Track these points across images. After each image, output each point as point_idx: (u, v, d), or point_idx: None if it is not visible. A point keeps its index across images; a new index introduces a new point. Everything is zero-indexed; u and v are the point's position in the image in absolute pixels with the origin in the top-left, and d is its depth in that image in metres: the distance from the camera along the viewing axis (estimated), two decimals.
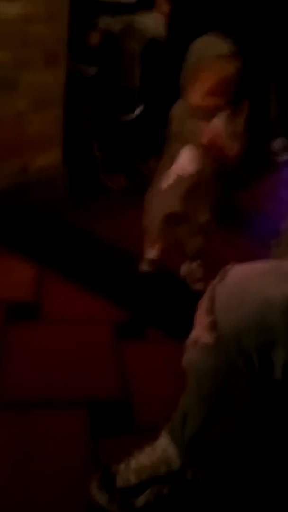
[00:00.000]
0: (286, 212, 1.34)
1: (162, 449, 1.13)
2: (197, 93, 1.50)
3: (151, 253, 1.87)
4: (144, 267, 1.87)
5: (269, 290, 0.87)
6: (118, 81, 2.37)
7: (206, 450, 1.12)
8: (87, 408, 1.34)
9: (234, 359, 0.93)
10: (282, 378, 0.91)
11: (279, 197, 1.48)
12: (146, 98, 2.48)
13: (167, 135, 1.61)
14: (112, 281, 1.87)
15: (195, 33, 2.44)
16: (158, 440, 1.15)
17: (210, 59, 1.47)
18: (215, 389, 1.01)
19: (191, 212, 1.66)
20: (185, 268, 1.81)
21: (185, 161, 1.58)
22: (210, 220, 1.69)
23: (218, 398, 1.01)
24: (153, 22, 2.25)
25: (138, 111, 2.49)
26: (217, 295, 0.94)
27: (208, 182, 1.62)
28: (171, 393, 1.14)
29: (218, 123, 1.53)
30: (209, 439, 1.08)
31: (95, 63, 2.28)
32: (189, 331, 1.03)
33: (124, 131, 2.50)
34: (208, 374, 0.99)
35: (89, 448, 1.24)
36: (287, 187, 1.44)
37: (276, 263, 1.00)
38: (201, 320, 0.97)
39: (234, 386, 0.98)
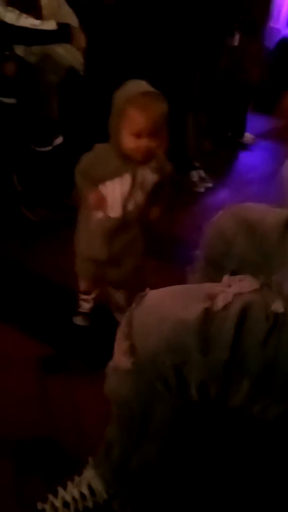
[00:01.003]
0: (200, 240, 1.39)
1: (87, 482, 1.11)
2: (127, 137, 1.44)
3: (85, 306, 1.80)
4: (79, 321, 1.80)
5: (182, 312, 0.89)
6: (36, 112, 2.36)
7: (132, 480, 1.11)
8: (11, 448, 1.28)
9: (152, 382, 0.93)
10: (199, 398, 0.93)
11: (196, 226, 1.53)
12: (66, 130, 2.49)
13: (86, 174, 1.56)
14: (35, 315, 1.83)
15: (113, 67, 2.54)
16: (83, 474, 1.13)
17: (137, 98, 1.42)
18: (135, 415, 1.00)
19: (119, 256, 1.61)
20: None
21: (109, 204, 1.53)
22: (140, 266, 1.65)
23: (140, 424, 1.01)
24: (70, 54, 2.27)
25: (56, 142, 2.50)
26: (134, 320, 0.95)
27: (135, 226, 1.58)
28: (99, 426, 1.12)
29: (110, 186, 1.51)
30: (133, 467, 1.07)
31: (13, 93, 2.26)
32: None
33: (43, 163, 2.49)
34: (128, 399, 0.99)
35: (14, 490, 1.18)
36: (203, 216, 1.48)
37: (188, 286, 1.03)
38: (119, 345, 0.98)
39: (155, 411, 0.99)
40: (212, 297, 0.91)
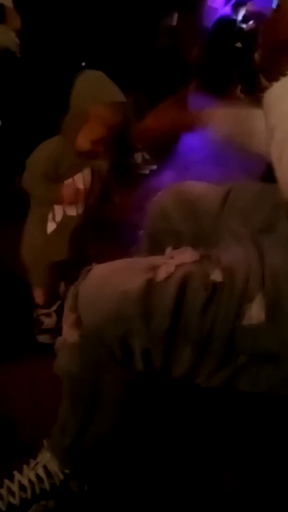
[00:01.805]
0: (144, 222, 1.42)
1: (42, 464, 1.12)
2: (83, 139, 1.41)
3: (49, 322, 1.66)
4: (44, 339, 1.64)
5: (125, 284, 0.92)
6: None
7: (87, 457, 1.13)
8: None
9: (99, 354, 0.96)
10: (144, 368, 0.96)
11: (140, 208, 1.54)
12: (3, 113, 2.43)
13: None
14: None
15: (49, 48, 2.49)
16: (38, 457, 1.14)
17: (101, 108, 1.37)
18: (85, 389, 1.03)
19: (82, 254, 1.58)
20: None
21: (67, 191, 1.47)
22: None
23: (91, 397, 1.03)
24: (4, 35, 2.21)
25: None
26: (80, 293, 0.97)
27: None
28: (53, 410, 1.13)
29: (80, 178, 1.48)
30: (87, 444, 1.10)
31: None
32: None
33: None
34: (78, 373, 1.01)
35: None
36: (147, 198, 1.50)
37: (132, 260, 1.06)
38: (66, 319, 1.00)
39: (105, 384, 1.01)
40: (154, 269, 0.94)
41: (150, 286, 0.92)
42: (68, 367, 1.02)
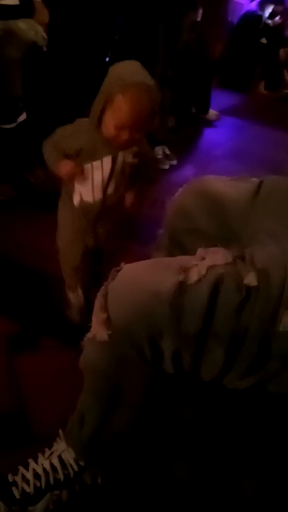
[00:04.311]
0: (164, 218, 1.40)
1: (57, 454, 1.13)
2: (109, 124, 1.37)
3: (75, 297, 1.65)
4: (74, 316, 1.66)
5: (156, 285, 0.92)
6: None
7: (103, 451, 1.14)
8: None
9: (128, 353, 0.96)
10: (173, 369, 0.96)
11: (161, 203, 1.53)
12: (29, 106, 2.45)
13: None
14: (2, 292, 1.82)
15: (76, 42, 2.50)
16: (54, 446, 1.15)
17: (129, 88, 1.32)
18: (110, 385, 1.04)
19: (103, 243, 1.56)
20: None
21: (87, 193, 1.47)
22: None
23: (113, 393, 1.04)
24: (32, 29, 2.22)
25: (20, 119, 2.46)
26: (110, 293, 0.97)
27: (116, 210, 1.51)
28: (68, 401, 1.14)
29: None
30: (105, 438, 1.11)
31: None
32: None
33: (7, 140, 2.45)
34: (104, 370, 1.02)
35: None
36: (168, 193, 1.49)
37: (162, 259, 1.06)
38: (96, 317, 1.00)
39: (130, 381, 1.02)
40: (186, 270, 0.93)
41: (182, 288, 0.90)
42: (95, 362, 1.02)
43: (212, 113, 4.03)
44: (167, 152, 3.09)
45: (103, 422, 1.08)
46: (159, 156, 3.05)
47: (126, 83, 1.32)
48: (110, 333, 0.97)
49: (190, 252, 1.02)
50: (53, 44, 2.31)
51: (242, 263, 0.95)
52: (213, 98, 4.04)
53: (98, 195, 1.48)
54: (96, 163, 1.44)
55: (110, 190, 1.48)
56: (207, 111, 3.99)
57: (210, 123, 3.98)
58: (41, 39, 2.25)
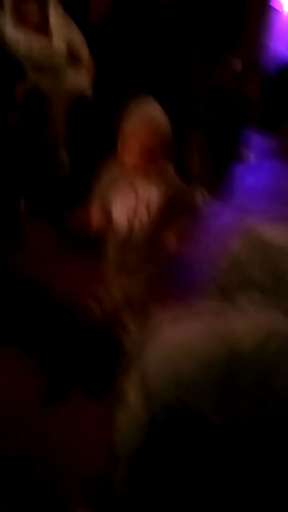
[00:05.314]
0: (210, 258, 1.32)
1: None
2: (129, 154, 1.52)
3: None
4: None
5: (204, 354, 0.83)
6: (45, 137, 2.37)
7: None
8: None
9: (165, 429, 0.87)
10: None
11: (201, 246, 1.52)
12: (74, 154, 2.50)
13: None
14: (36, 338, 1.80)
15: (121, 90, 2.55)
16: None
17: (141, 119, 1.50)
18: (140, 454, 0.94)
19: (130, 270, 1.65)
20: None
21: (117, 215, 1.59)
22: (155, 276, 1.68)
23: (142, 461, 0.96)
24: (79, 78, 2.28)
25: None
26: (148, 362, 0.85)
27: (144, 244, 1.62)
28: (97, 457, 1.10)
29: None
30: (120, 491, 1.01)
31: (22, 119, 2.27)
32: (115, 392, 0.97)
33: (51, 188, 2.51)
34: (137, 443, 0.92)
35: None
36: (209, 236, 1.47)
37: (209, 321, 0.95)
38: (131, 389, 0.91)
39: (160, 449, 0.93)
40: (239, 335, 0.87)
41: (235, 358, 0.80)
42: (130, 442, 0.93)
43: (250, 154, 4.04)
44: (206, 194, 3.10)
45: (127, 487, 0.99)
46: (198, 199, 3.05)
47: (139, 116, 1.50)
48: (146, 407, 0.82)
49: (245, 307, 0.96)
50: (98, 92, 2.37)
51: None
52: (250, 140, 4.06)
53: (124, 226, 1.58)
54: (121, 196, 1.56)
55: (136, 224, 1.57)
56: (244, 153, 4.01)
57: (247, 164, 3.99)
58: (87, 88, 2.31)
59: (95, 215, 1.57)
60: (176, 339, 0.88)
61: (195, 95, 2.97)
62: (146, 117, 1.50)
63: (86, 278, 1.76)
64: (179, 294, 1.86)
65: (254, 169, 3.97)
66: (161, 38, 2.64)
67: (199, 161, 3.13)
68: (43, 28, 2.20)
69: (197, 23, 2.78)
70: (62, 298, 1.99)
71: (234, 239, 1.30)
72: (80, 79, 2.27)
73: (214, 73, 3.24)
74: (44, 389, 1.58)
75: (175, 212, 1.61)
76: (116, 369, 0.98)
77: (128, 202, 1.56)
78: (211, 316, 1.04)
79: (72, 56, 2.21)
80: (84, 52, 2.26)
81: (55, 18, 2.25)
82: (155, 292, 1.68)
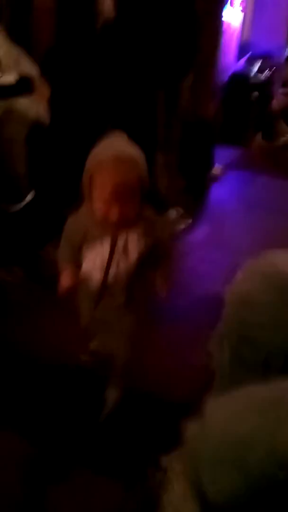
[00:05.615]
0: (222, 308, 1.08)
1: None
2: (96, 203, 1.35)
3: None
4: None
5: (267, 441, 0.69)
6: (2, 169, 2.26)
7: None
8: None
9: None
10: None
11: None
12: (36, 184, 2.41)
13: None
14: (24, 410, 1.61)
15: (77, 114, 2.50)
16: None
17: (106, 162, 1.31)
18: None
19: (103, 324, 1.53)
20: None
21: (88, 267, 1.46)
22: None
23: None
24: (34, 106, 2.21)
25: (28, 198, 2.40)
26: (199, 454, 0.75)
27: (121, 293, 1.47)
28: None
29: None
30: None
31: None
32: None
33: (15, 221, 2.39)
34: None
35: None
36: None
37: (249, 393, 0.79)
38: (179, 488, 0.77)
39: None
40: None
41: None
42: None
43: (217, 168, 4.04)
44: (181, 212, 3.04)
45: None
46: (174, 217, 2.99)
47: (100, 160, 1.32)
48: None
49: (267, 349, 0.85)
50: (55, 119, 2.30)
51: None
52: (215, 154, 4.06)
53: (98, 278, 1.43)
54: (96, 246, 1.41)
55: (112, 273, 1.42)
56: (212, 168, 4.00)
57: (216, 178, 3.98)
58: (43, 115, 2.24)
59: (64, 275, 1.44)
60: (221, 419, 0.73)
61: (156, 117, 2.93)
62: (107, 163, 1.32)
63: (74, 331, 1.63)
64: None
65: (222, 182, 3.96)
66: (121, 64, 2.60)
67: (168, 181, 3.07)
68: None
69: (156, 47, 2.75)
70: (52, 359, 1.83)
71: (244, 274, 1.02)
72: (35, 108, 2.20)
73: (174, 93, 3.21)
74: (44, 466, 1.40)
75: (157, 253, 1.47)
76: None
77: (101, 253, 1.40)
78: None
79: (24, 87, 2.14)
80: (37, 81, 2.20)
81: (5, 56, 2.18)
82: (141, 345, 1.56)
